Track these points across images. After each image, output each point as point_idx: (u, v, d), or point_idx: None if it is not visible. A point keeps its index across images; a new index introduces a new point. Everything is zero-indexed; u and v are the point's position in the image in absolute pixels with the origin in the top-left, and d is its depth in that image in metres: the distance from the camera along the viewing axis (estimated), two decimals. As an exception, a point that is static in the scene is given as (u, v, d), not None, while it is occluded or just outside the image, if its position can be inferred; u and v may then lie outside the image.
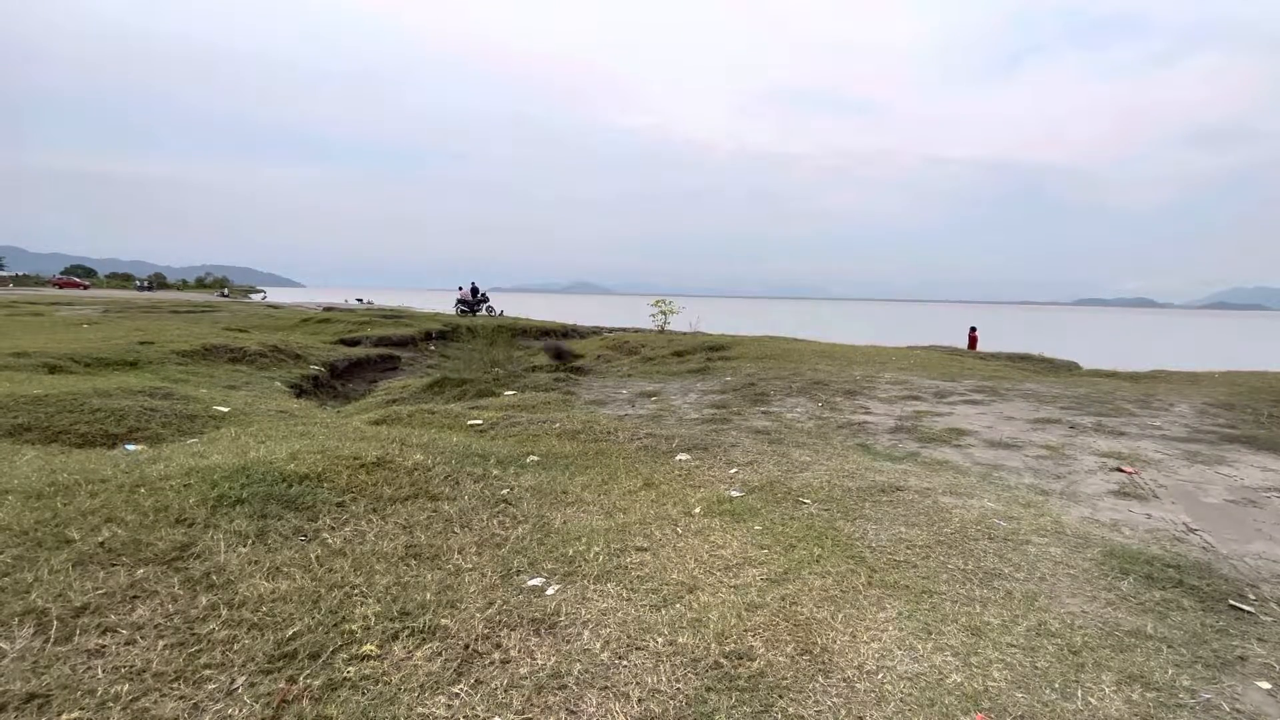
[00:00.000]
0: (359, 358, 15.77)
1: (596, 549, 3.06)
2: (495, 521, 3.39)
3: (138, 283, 73.91)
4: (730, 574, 2.87)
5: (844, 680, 2.13)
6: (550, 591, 2.66)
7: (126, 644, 2.08)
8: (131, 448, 5.04)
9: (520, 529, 3.31)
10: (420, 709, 1.90)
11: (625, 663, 2.18)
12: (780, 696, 2.03)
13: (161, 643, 2.10)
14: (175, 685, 1.92)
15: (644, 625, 2.41)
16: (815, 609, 2.57)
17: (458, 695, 1.98)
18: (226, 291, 64.60)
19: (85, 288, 58.86)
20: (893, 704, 2.02)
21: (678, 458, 4.92)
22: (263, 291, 75.95)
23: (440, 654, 2.17)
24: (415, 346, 19.54)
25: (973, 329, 19.49)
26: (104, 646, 2.06)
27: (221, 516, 2.97)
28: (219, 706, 1.85)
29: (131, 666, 1.98)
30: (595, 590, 2.67)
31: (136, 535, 2.70)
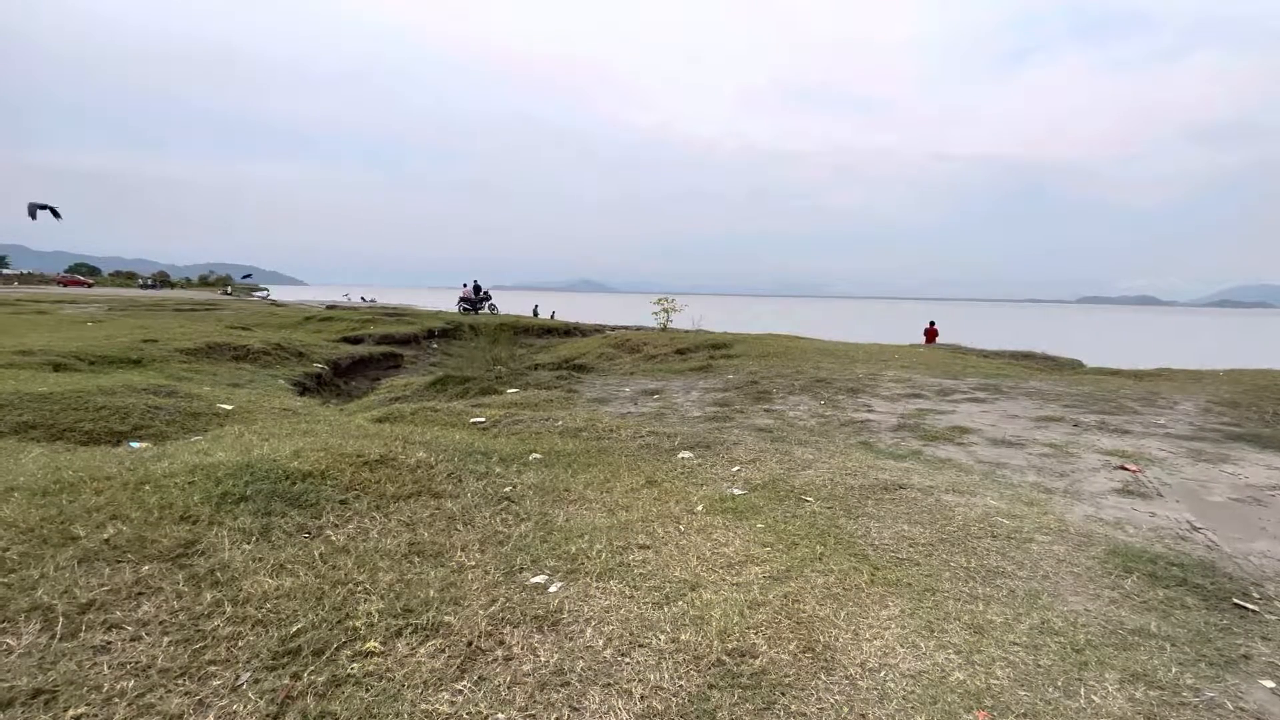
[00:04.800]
0: (362, 356, 15.80)
1: (599, 547, 3.07)
2: (498, 519, 3.40)
3: (141, 281, 74.11)
4: (733, 572, 2.87)
5: (846, 678, 2.13)
6: (553, 589, 2.66)
7: (132, 640, 2.09)
8: (136, 445, 5.06)
9: (523, 526, 3.32)
10: (424, 706, 1.91)
11: (628, 660, 2.19)
12: (783, 694, 2.04)
13: (166, 639, 2.11)
14: (180, 681, 1.93)
15: (646, 623, 2.41)
16: (818, 607, 2.57)
17: (461, 692, 1.98)
18: (230, 290, 64.74)
19: (89, 285, 59.08)
20: (895, 702, 2.02)
21: (680, 455, 4.93)
22: (265, 289, 76.02)
23: (443, 651, 2.17)
24: (418, 344, 19.58)
25: (931, 323, 20.43)
26: (109, 643, 2.07)
27: (225, 514, 2.98)
28: (224, 703, 1.86)
29: (137, 663, 1.99)
30: (598, 588, 2.68)
31: (141, 532, 2.71)
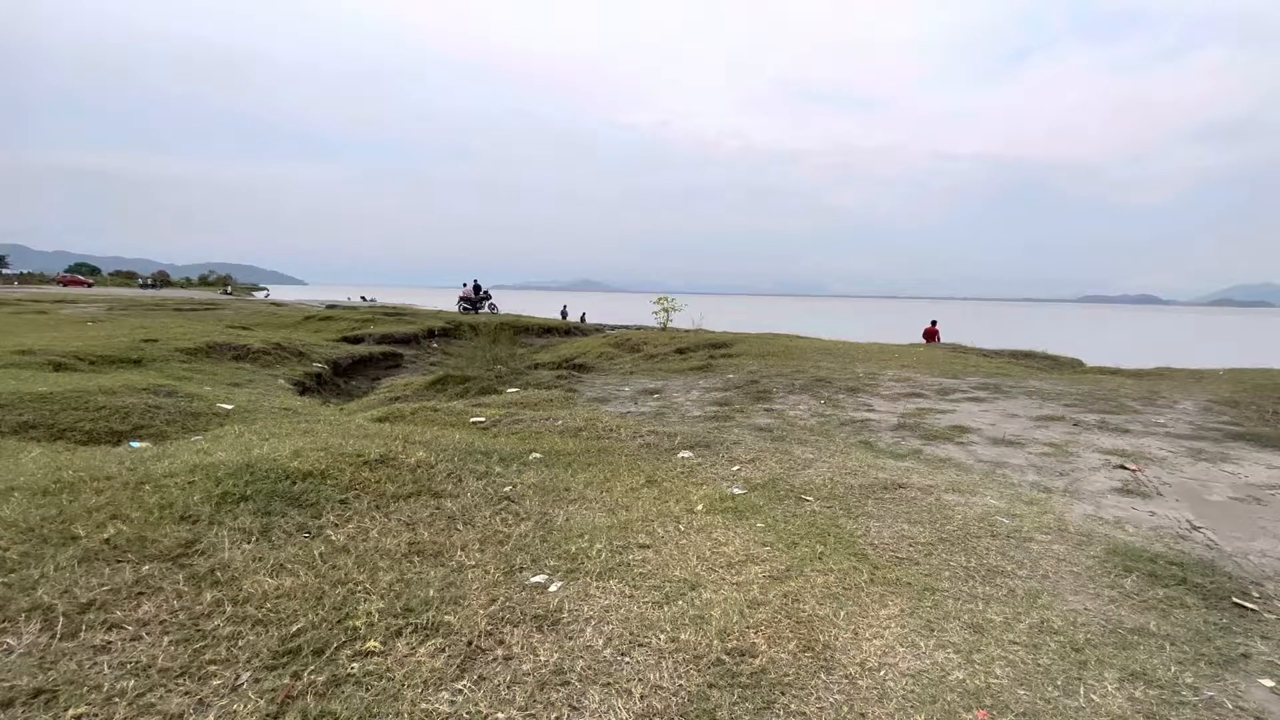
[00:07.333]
0: (362, 355, 15.81)
1: (599, 546, 3.07)
2: (498, 519, 3.40)
3: (141, 280, 74.12)
4: (732, 571, 2.87)
5: (846, 677, 2.13)
6: (553, 588, 2.66)
7: (132, 640, 2.09)
8: (136, 445, 5.07)
9: (523, 526, 3.32)
10: (423, 705, 1.91)
11: (628, 659, 2.19)
12: (782, 693, 2.04)
13: (167, 639, 2.11)
14: (180, 681, 1.93)
15: (646, 622, 2.41)
16: (817, 606, 2.57)
17: (461, 691, 1.99)
18: (230, 289, 64.76)
19: (89, 285, 59.12)
20: (895, 701, 2.02)
21: (680, 455, 4.93)
22: (266, 289, 75.96)
23: (443, 650, 2.17)
24: (418, 344, 19.58)
25: (932, 322, 20.39)
26: (110, 642, 2.07)
27: (226, 513, 2.98)
28: (224, 702, 1.86)
29: (137, 662, 1.99)
30: (598, 587, 2.68)
31: (142, 532, 2.72)
